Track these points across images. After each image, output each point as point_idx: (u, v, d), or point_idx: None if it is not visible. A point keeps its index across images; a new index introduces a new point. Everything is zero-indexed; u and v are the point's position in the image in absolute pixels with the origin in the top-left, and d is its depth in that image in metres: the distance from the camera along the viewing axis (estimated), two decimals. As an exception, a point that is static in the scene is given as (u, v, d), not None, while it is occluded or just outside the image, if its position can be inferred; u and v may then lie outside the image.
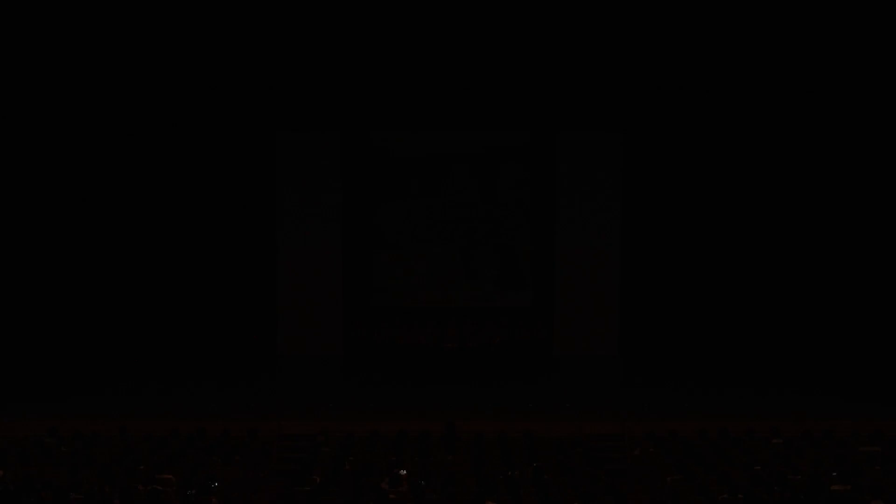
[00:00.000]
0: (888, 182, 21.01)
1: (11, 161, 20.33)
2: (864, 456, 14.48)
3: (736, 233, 22.36)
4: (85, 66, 20.79)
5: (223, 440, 15.40)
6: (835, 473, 13.34)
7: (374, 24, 21.32)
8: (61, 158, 21.16)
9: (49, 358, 20.28)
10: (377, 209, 23.22)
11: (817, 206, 21.86)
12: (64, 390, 19.51)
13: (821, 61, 20.84)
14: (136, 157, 22.01)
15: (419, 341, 21.02)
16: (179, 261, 22.45)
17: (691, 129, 22.15)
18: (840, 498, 12.21)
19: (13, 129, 20.29)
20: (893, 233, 20.96)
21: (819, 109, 21.22)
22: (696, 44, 21.04)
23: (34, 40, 20.01)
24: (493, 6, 21.09)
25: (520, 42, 21.47)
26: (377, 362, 21.17)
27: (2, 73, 19.93)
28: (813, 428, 16.02)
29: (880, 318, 20.91)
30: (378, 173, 23.20)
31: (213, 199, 22.47)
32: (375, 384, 20.71)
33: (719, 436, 15.71)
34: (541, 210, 23.09)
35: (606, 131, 22.65)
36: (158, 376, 21.10)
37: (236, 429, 15.80)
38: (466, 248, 23.22)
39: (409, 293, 23.20)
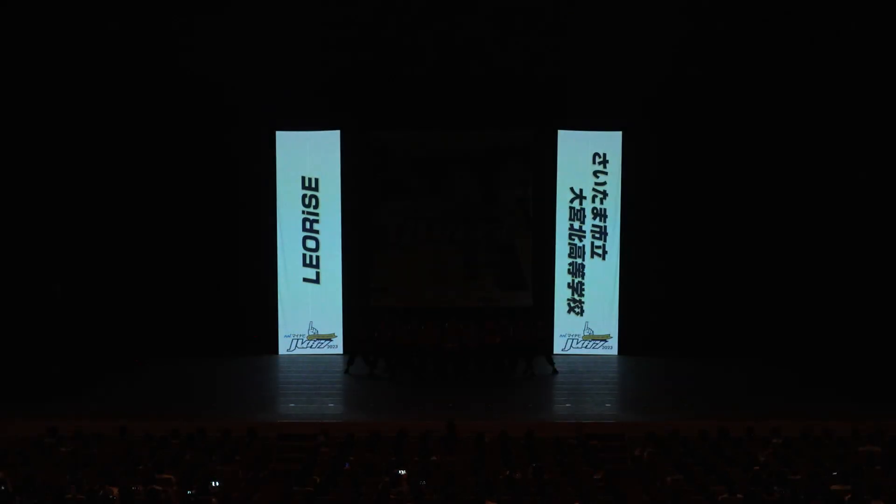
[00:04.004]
0: (888, 180, 21.00)
1: (7, 159, 20.30)
2: (864, 456, 14.47)
3: (736, 232, 22.37)
4: (85, 66, 20.78)
5: (223, 440, 15.39)
6: (835, 473, 13.34)
7: (375, 25, 21.33)
8: (59, 157, 21.14)
9: (48, 357, 20.26)
10: (377, 208, 23.21)
11: (817, 204, 21.86)
12: (63, 390, 19.49)
13: (819, 59, 20.85)
14: (136, 157, 22.01)
15: (419, 341, 20.96)
16: (179, 260, 22.46)
17: (690, 128, 22.15)
18: (840, 498, 12.20)
19: (13, 128, 20.27)
20: (893, 231, 20.95)
21: (816, 108, 21.21)
22: (697, 45, 21.05)
23: (36, 38, 20.01)
24: (494, 7, 21.12)
25: (520, 42, 21.48)
26: (377, 362, 21.12)
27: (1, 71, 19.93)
28: (813, 428, 16.02)
29: (881, 317, 20.89)
30: (378, 173, 23.18)
31: (214, 198, 22.48)
32: (376, 384, 20.68)
33: (719, 436, 15.70)
34: (541, 210, 23.06)
35: (605, 131, 22.62)
36: (158, 376, 21.09)
37: (236, 429, 15.79)
38: (466, 248, 23.20)
39: (410, 293, 23.18)
